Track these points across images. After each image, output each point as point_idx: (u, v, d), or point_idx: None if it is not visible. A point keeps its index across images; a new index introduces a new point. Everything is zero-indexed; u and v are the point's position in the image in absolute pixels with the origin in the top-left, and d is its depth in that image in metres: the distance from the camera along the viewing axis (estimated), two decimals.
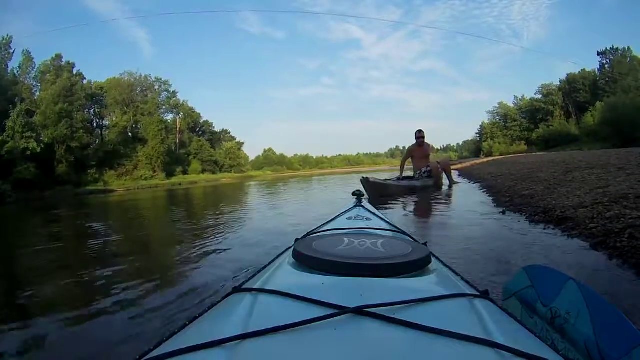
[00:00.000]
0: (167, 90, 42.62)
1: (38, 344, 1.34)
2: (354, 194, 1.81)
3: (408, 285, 0.62)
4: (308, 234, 1.09)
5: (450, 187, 6.63)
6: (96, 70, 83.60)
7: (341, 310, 0.48)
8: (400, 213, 4.04)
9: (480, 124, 49.62)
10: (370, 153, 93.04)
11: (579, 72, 38.78)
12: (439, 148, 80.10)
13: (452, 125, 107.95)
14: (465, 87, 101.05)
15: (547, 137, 36.50)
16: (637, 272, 1.52)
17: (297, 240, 0.93)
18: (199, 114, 47.50)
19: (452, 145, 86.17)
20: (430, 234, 2.68)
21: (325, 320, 0.46)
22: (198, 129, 47.75)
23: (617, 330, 0.55)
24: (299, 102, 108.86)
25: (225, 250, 2.65)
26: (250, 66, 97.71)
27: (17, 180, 22.67)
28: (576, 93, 37.80)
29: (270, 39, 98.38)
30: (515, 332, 0.51)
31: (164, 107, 42.16)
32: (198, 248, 2.78)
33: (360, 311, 0.48)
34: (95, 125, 37.49)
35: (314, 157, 76.37)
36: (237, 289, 0.64)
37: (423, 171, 6.60)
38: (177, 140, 41.99)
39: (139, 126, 38.21)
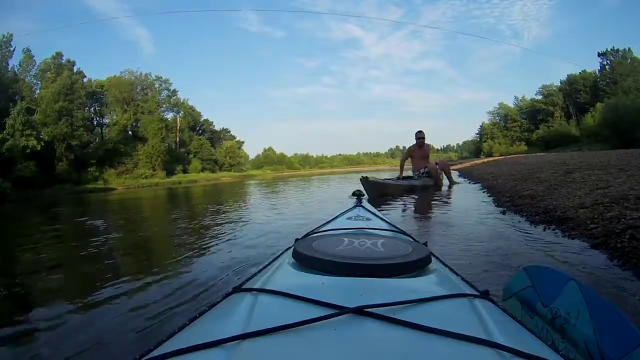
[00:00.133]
0: (167, 89, 42.68)
1: (35, 338, 1.34)
2: (354, 194, 1.82)
3: (408, 285, 0.62)
4: (308, 234, 1.09)
5: (450, 187, 6.64)
6: (97, 69, 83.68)
7: (341, 310, 0.48)
8: (400, 213, 4.04)
9: (481, 124, 49.69)
10: (370, 153, 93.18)
11: (580, 73, 38.80)
12: (439, 148, 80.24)
13: (452, 125, 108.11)
14: (466, 87, 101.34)
15: (547, 138, 36.48)
16: (638, 273, 1.52)
17: (297, 240, 0.93)
18: (199, 112, 47.62)
19: (452, 145, 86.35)
20: (431, 234, 2.68)
21: (325, 320, 0.46)
22: (198, 128, 47.76)
23: (617, 330, 0.55)
24: (299, 102, 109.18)
25: (224, 249, 2.65)
26: (251, 65, 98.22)
27: (17, 178, 22.67)
28: (576, 94, 37.79)
29: (270, 38, 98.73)
30: (516, 332, 0.51)
31: (164, 106, 42.17)
32: (197, 247, 2.79)
33: (360, 311, 0.48)
34: (95, 123, 37.47)
35: (314, 157, 76.58)
36: (237, 289, 0.64)
37: (421, 172, 6.63)
38: (177, 139, 41.97)
39: (139, 124, 38.18)
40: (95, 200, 13.38)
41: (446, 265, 0.81)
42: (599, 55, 36.88)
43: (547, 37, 75.64)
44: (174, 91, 43.08)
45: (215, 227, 3.77)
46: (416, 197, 5.44)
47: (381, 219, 1.36)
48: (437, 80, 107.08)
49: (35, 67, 30.82)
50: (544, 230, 2.45)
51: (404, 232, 1.13)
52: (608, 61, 35.94)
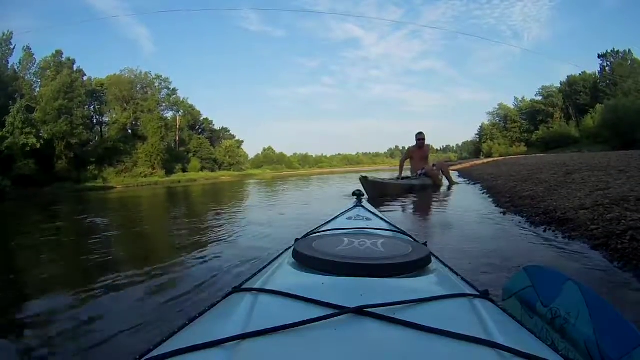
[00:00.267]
0: (167, 88, 42.56)
1: (37, 337, 1.34)
2: (354, 193, 1.81)
3: (408, 285, 0.62)
4: (308, 234, 1.09)
5: (449, 187, 6.65)
6: (97, 67, 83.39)
7: (341, 310, 0.48)
8: (400, 213, 4.04)
9: (480, 124, 49.70)
10: (369, 153, 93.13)
11: (580, 74, 38.82)
12: (438, 149, 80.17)
13: (452, 126, 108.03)
14: (466, 88, 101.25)
15: (547, 139, 36.50)
16: (638, 274, 1.52)
17: (297, 240, 0.93)
18: (199, 111, 47.49)
19: (451, 145, 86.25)
20: (431, 234, 2.68)
21: (325, 320, 0.46)
22: (198, 127, 47.67)
23: (617, 330, 0.55)
24: (299, 101, 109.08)
25: (223, 248, 2.65)
26: (251, 64, 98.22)
27: (16, 176, 22.64)
28: (576, 95, 37.80)
29: (270, 37, 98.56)
30: (515, 332, 0.51)
31: (164, 105, 42.07)
32: (196, 246, 2.79)
33: (360, 311, 0.48)
34: (95, 121, 37.42)
35: (313, 156, 76.52)
36: (237, 289, 0.64)
37: (419, 173, 6.68)
38: (177, 138, 41.88)
39: (138, 123, 38.12)
40: (95, 198, 13.37)
41: (446, 265, 0.81)
42: (599, 56, 36.92)
43: (548, 38, 75.68)
44: (174, 90, 43.05)
45: (215, 227, 3.76)
46: (416, 197, 5.44)
47: (381, 219, 1.35)
48: (437, 80, 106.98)
49: (35, 65, 30.76)
50: (545, 231, 2.45)
51: (404, 232, 1.13)
52: (608, 63, 35.96)
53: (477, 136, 50.85)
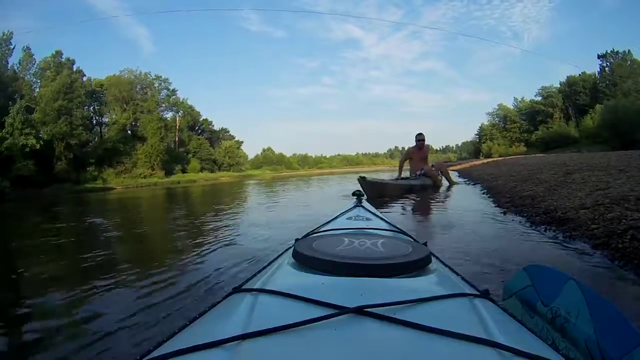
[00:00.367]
0: (166, 88, 42.53)
1: (40, 338, 1.34)
2: (354, 194, 1.81)
3: (408, 285, 0.62)
4: (308, 234, 1.09)
5: (449, 187, 6.66)
6: (96, 68, 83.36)
7: (341, 310, 0.48)
8: (400, 213, 4.04)
9: (480, 125, 49.70)
10: (369, 153, 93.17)
11: (579, 74, 38.85)
12: (438, 149, 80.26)
13: (452, 126, 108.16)
14: (465, 88, 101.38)
15: (546, 139, 36.50)
16: (639, 273, 1.51)
17: (297, 240, 0.93)
18: (199, 112, 47.46)
19: (451, 146, 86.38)
20: (431, 234, 2.68)
21: (326, 320, 0.46)
22: (197, 128, 47.66)
23: (617, 329, 0.55)
24: (299, 102, 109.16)
25: (223, 250, 2.64)
26: (250, 65, 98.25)
27: (16, 177, 22.62)
28: (576, 95, 37.82)
29: (270, 38, 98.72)
30: (516, 331, 0.52)
31: (163, 105, 42.04)
32: (197, 247, 2.78)
33: (360, 311, 0.48)
34: (94, 122, 37.38)
35: (313, 157, 76.57)
36: (237, 289, 0.64)
37: (418, 173, 6.69)
38: (176, 139, 41.87)
39: (138, 124, 38.11)
40: (94, 199, 13.36)
41: (446, 265, 0.81)
42: (598, 57, 36.94)
43: (547, 38, 75.78)
44: (174, 90, 43.02)
45: (215, 229, 3.75)
46: (416, 197, 5.43)
47: (381, 219, 1.36)
48: (436, 81, 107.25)
49: (35, 66, 30.72)
50: (545, 230, 2.45)
51: (404, 232, 1.13)
52: (608, 63, 35.97)
53: (477, 136, 50.88)
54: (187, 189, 17.37)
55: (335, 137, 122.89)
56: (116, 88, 37.43)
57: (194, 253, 2.55)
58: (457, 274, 0.76)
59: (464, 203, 4.51)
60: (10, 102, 25.10)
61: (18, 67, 29.61)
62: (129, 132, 38.02)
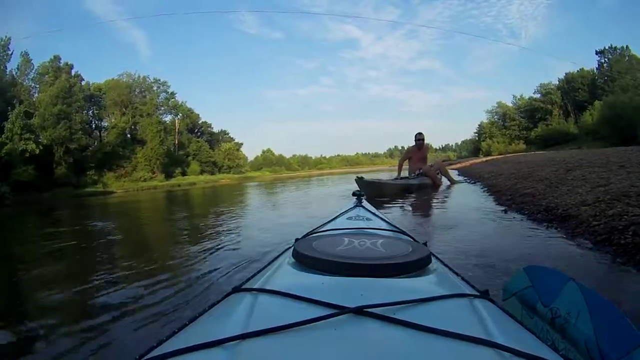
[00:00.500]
0: (165, 91, 42.59)
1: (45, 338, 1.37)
2: (354, 194, 1.80)
3: (408, 285, 0.62)
4: (308, 234, 1.09)
5: (450, 186, 6.65)
6: (95, 72, 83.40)
7: (341, 310, 0.48)
8: (400, 213, 4.03)
9: (479, 123, 49.64)
10: (368, 153, 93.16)
11: (578, 71, 38.78)
12: (438, 148, 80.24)
13: (451, 125, 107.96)
14: (464, 87, 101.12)
15: (545, 136, 36.47)
16: None
17: (297, 240, 0.93)
18: (198, 114, 47.47)
19: (450, 144, 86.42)
20: (431, 234, 2.67)
21: (326, 320, 0.46)
22: (197, 130, 47.67)
23: (617, 330, 0.55)
24: (298, 103, 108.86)
25: (224, 254, 2.63)
26: (249, 67, 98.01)
27: (15, 182, 22.62)
28: (575, 92, 37.78)
29: (267, 39, 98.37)
30: (515, 332, 0.52)
31: (162, 108, 42.11)
32: (198, 251, 2.78)
33: (360, 311, 0.48)
34: (93, 126, 37.43)
35: (313, 158, 76.48)
36: (237, 289, 0.64)
37: (417, 173, 6.69)
38: (176, 141, 41.90)
39: (137, 127, 38.14)
40: (95, 204, 13.36)
41: (446, 265, 0.81)
42: (596, 53, 36.91)
43: (545, 35, 75.51)
44: (172, 93, 43.08)
45: (216, 231, 3.73)
46: (416, 196, 5.42)
47: (381, 219, 1.36)
48: (435, 80, 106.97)
49: (34, 71, 30.75)
50: (547, 228, 2.44)
51: (404, 232, 1.13)
52: (606, 59, 35.94)
53: (476, 134, 50.82)
54: (188, 192, 17.37)
55: (334, 138, 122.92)
56: (115, 92, 37.47)
57: (198, 256, 2.56)
58: (457, 274, 0.76)
59: (464, 201, 4.50)
60: (9, 108, 25.13)
61: (16, 73, 29.63)
62: (129, 135, 38.05)
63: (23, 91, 28.82)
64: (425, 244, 0.90)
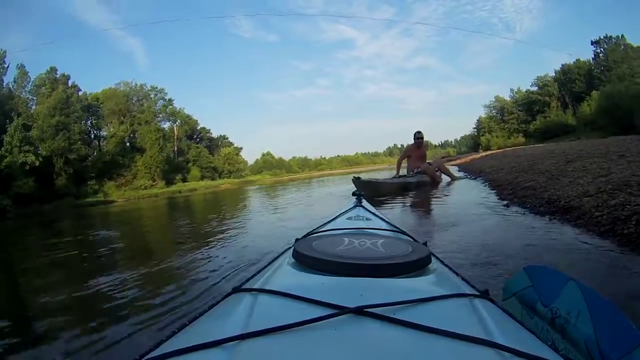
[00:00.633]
0: (163, 99, 42.74)
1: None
2: (354, 194, 1.79)
3: (408, 285, 0.62)
4: (308, 234, 1.09)
5: (450, 182, 6.64)
6: (91, 82, 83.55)
7: (341, 310, 0.48)
8: (400, 211, 4.02)
9: (477, 118, 49.67)
10: (368, 152, 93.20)
11: (574, 62, 38.82)
12: (437, 144, 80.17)
13: (449, 121, 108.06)
14: (461, 82, 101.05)
15: (544, 129, 36.49)
16: None
17: (297, 240, 0.93)
18: (196, 120, 47.60)
19: (449, 140, 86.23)
20: (433, 233, 2.65)
21: (326, 320, 0.46)
22: (196, 136, 47.78)
23: (617, 330, 0.55)
24: (295, 104, 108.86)
25: (227, 256, 2.63)
26: (245, 71, 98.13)
27: (16, 194, 22.67)
28: (572, 83, 37.83)
29: (263, 42, 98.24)
30: (516, 332, 0.52)
31: (160, 116, 42.26)
32: (201, 258, 2.76)
33: (360, 311, 0.48)
34: (92, 136, 37.56)
35: (313, 159, 76.44)
36: (237, 289, 0.64)
37: (415, 171, 6.69)
38: (175, 148, 42.00)
39: (136, 135, 38.22)
40: (97, 213, 13.36)
41: (446, 265, 0.81)
42: (592, 43, 36.93)
43: (540, 28, 75.49)
44: (170, 100, 43.21)
45: (219, 237, 3.70)
46: (416, 194, 5.41)
47: (381, 218, 1.35)
48: (431, 76, 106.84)
49: (30, 83, 30.94)
50: (550, 220, 2.43)
51: (404, 232, 1.13)
52: (601, 49, 35.97)
53: (475, 130, 50.85)
54: (189, 198, 17.39)
55: (333, 138, 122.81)
56: (112, 101, 37.58)
57: (201, 260, 2.58)
58: (457, 274, 0.76)
59: (465, 197, 4.49)
60: (7, 121, 25.19)
61: (13, 85, 29.78)
62: (128, 144, 38.14)
63: (21, 104, 28.94)
64: (425, 243, 0.90)
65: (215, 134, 50.72)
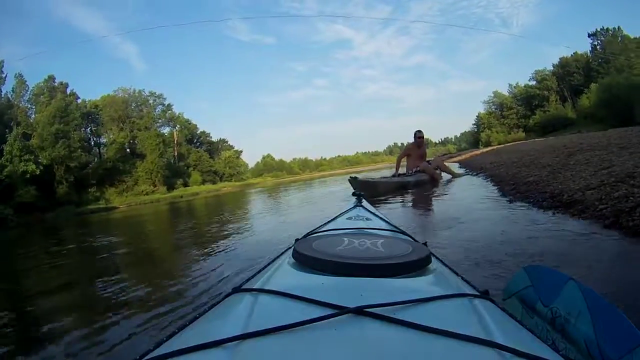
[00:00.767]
0: (162, 104, 42.87)
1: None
2: (354, 194, 1.78)
3: (408, 285, 0.62)
4: (308, 234, 1.09)
5: (451, 180, 6.62)
6: (90, 89, 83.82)
7: (341, 310, 0.48)
8: (401, 210, 4.00)
9: (477, 114, 49.58)
10: (368, 152, 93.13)
11: (572, 55, 38.78)
12: (437, 142, 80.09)
13: (449, 118, 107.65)
14: (459, 79, 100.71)
15: (544, 123, 36.46)
16: None
17: (297, 240, 0.93)
18: (196, 125, 47.68)
19: (450, 137, 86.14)
20: (434, 232, 2.61)
21: (326, 321, 0.46)
22: (195, 140, 47.86)
23: (617, 330, 0.55)
24: (294, 106, 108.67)
25: (230, 258, 2.64)
26: (243, 74, 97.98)
27: (18, 203, 22.72)
28: (570, 76, 37.78)
29: (260, 45, 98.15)
30: (516, 332, 0.52)
31: (160, 121, 42.37)
32: (203, 261, 2.77)
33: (360, 311, 0.48)
34: (92, 143, 37.69)
35: (313, 160, 76.38)
36: (237, 289, 0.64)
37: (414, 170, 6.67)
38: (176, 153, 42.07)
39: (136, 141, 38.30)
40: (98, 220, 13.39)
41: (446, 265, 0.81)
42: (589, 35, 36.92)
43: (537, 22, 75.14)
44: (169, 105, 43.32)
45: (219, 242, 3.69)
46: (417, 193, 5.39)
47: (381, 218, 1.35)
48: (429, 74, 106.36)
49: (29, 92, 31.05)
50: (553, 214, 2.40)
51: (404, 232, 1.12)
52: (599, 41, 35.95)
53: (475, 126, 50.77)
54: (191, 203, 17.41)
55: (333, 139, 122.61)
56: (111, 108, 37.70)
57: (205, 264, 2.58)
58: (457, 274, 0.76)
59: (467, 194, 4.46)
60: (7, 130, 25.26)
61: (12, 95, 29.87)
62: (128, 150, 38.22)
63: (20, 113, 29.03)
64: (425, 243, 0.90)
65: (215, 137, 50.82)
